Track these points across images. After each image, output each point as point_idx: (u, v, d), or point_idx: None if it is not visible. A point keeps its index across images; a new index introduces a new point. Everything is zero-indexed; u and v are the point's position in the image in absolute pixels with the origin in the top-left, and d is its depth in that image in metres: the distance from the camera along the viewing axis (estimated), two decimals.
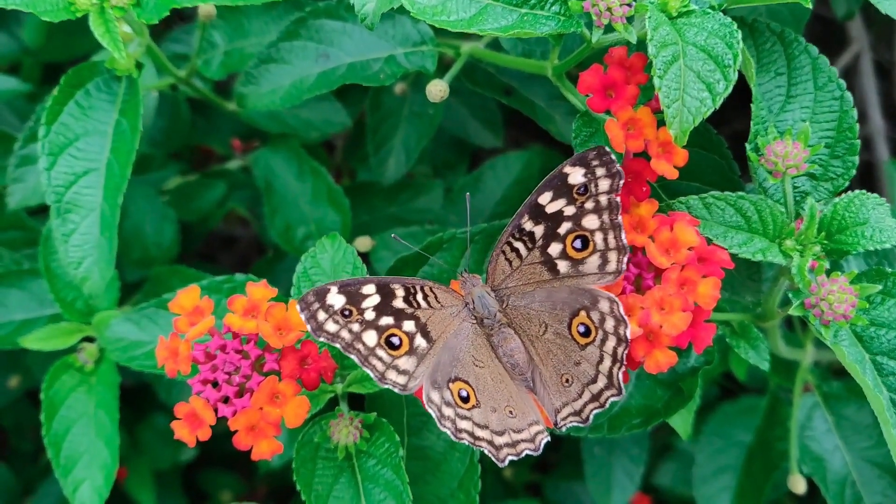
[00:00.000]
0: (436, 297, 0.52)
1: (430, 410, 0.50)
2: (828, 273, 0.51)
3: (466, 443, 0.50)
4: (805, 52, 0.56)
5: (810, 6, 0.50)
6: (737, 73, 0.46)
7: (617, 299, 0.49)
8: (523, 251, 0.52)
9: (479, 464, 0.59)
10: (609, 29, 0.50)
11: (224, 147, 0.97)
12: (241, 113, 0.79)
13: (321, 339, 0.50)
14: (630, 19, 0.49)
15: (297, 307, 0.50)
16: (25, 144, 0.75)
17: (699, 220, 0.51)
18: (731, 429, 0.85)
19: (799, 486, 0.71)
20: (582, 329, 0.50)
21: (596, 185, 0.50)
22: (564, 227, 0.51)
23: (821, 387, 0.75)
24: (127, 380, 0.79)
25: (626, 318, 0.49)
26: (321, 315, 0.50)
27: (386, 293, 0.51)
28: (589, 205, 0.50)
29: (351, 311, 0.50)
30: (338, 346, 0.50)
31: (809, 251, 0.51)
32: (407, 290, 0.51)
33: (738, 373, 0.83)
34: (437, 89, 0.62)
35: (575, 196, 0.50)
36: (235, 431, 0.52)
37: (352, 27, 0.68)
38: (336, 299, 0.50)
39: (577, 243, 0.50)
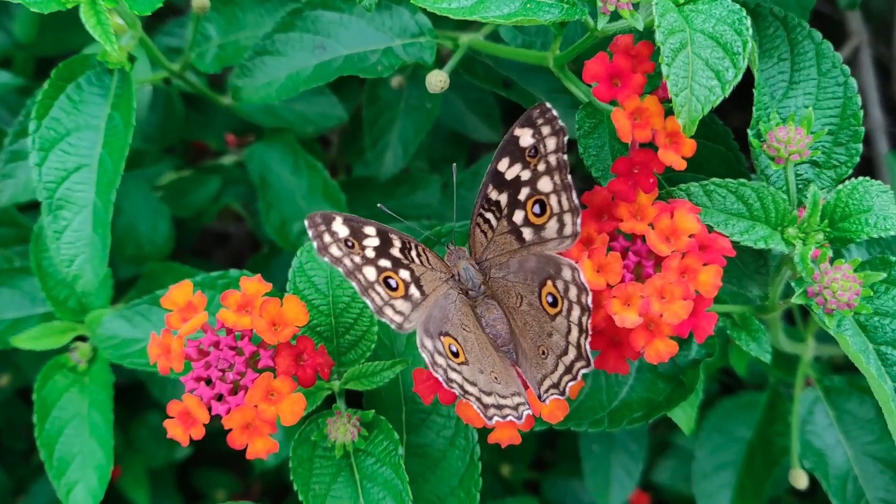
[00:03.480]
0: (428, 259, 0.52)
1: (423, 355, 0.50)
2: (831, 261, 0.50)
3: (457, 392, 0.50)
4: (808, 37, 0.55)
5: None
6: (746, 61, 0.45)
7: (577, 266, 0.49)
8: (494, 221, 0.51)
9: (479, 461, 0.58)
10: (614, 16, 0.49)
11: (218, 142, 0.95)
12: (236, 107, 0.78)
13: (325, 259, 0.50)
14: (636, 6, 0.48)
15: (305, 223, 0.50)
16: (16, 140, 0.74)
17: (700, 207, 0.51)
18: (731, 424, 0.85)
19: (800, 480, 0.71)
20: (550, 299, 0.50)
21: (544, 146, 0.49)
22: (524, 193, 0.50)
23: (822, 381, 0.74)
24: (121, 377, 0.78)
25: (586, 285, 0.48)
26: (327, 237, 0.50)
27: (385, 239, 0.51)
28: (541, 167, 0.49)
29: (353, 244, 0.50)
30: (340, 270, 0.50)
31: (812, 239, 0.50)
32: (403, 243, 0.52)
33: (738, 368, 0.82)
34: (437, 80, 0.61)
35: (528, 159, 0.49)
36: (230, 430, 0.51)
37: (349, 18, 0.67)
38: (341, 228, 0.50)
39: (536, 208, 0.50)
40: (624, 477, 0.90)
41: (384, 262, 0.51)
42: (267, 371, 0.52)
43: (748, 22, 0.46)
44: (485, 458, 0.59)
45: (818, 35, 0.56)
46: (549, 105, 0.49)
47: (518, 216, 0.50)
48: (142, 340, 0.67)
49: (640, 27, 0.48)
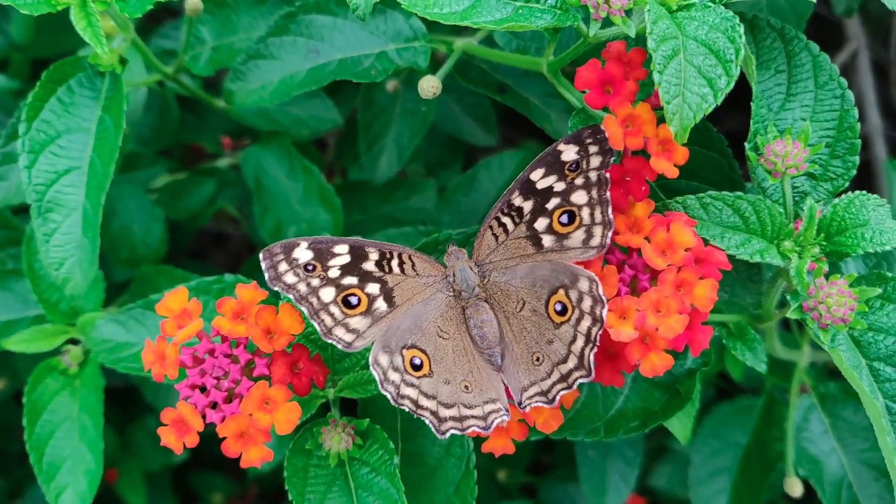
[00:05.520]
0: (413, 266, 0.52)
1: (374, 372, 0.50)
2: (827, 275, 0.50)
3: (407, 409, 0.50)
4: (806, 49, 0.55)
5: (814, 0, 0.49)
6: (739, 69, 0.45)
7: (597, 279, 0.49)
8: (510, 226, 0.51)
9: (475, 470, 0.58)
10: (607, 23, 0.49)
11: (214, 145, 0.95)
12: (231, 110, 0.78)
13: (275, 288, 0.50)
14: (629, 13, 0.48)
15: (260, 256, 0.50)
16: (7, 142, 0.74)
17: (696, 220, 0.50)
18: (728, 430, 0.84)
19: (795, 489, 0.71)
20: (559, 307, 0.50)
21: (587, 162, 0.50)
22: (553, 203, 0.50)
23: (817, 388, 0.74)
24: (118, 381, 0.77)
25: (604, 298, 0.48)
26: (282, 266, 0.50)
27: (358, 255, 0.51)
28: (579, 181, 0.50)
29: (315, 267, 0.50)
30: (291, 296, 0.50)
31: (808, 253, 0.50)
32: (382, 254, 0.51)
33: (734, 373, 0.82)
34: (430, 85, 0.61)
35: (566, 173, 0.50)
36: (224, 438, 0.50)
37: (342, 22, 0.67)
38: (303, 254, 0.50)
39: (564, 218, 0.50)
40: (620, 482, 0.90)
41: (348, 280, 0.51)
42: (262, 379, 0.52)
43: (741, 29, 0.46)
44: (481, 462, 0.59)
45: (815, 47, 0.55)
46: (602, 128, 0.49)
47: (541, 223, 0.51)
48: (136, 345, 0.67)
49: (633, 34, 0.48)
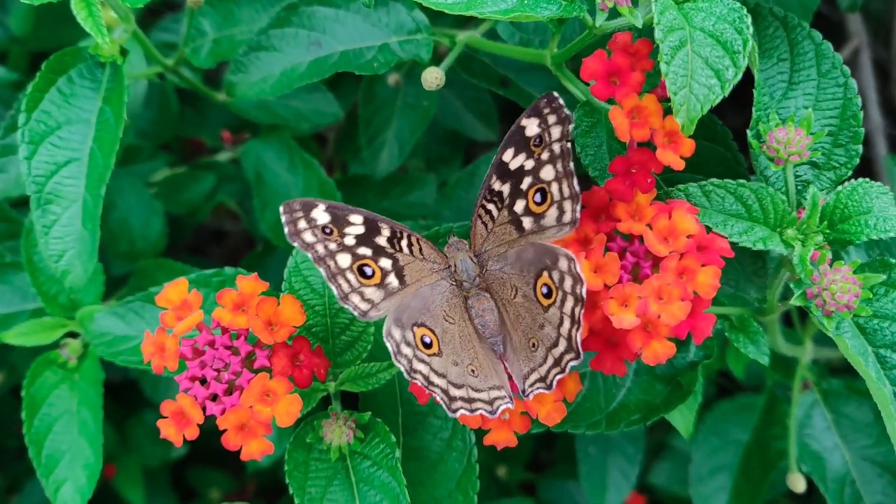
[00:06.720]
0: (420, 249, 0.52)
1: (387, 344, 0.50)
2: (830, 263, 0.50)
3: (419, 384, 0.50)
4: (808, 37, 0.55)
5: None
6: (746, 60, 0.45)
7: (574, 257, 0.49)
8: (495, 212, 0.51)
9: (476, 464, 0.58)
10: (613, 14, 0.48)
11: (214, 139, 0.95)
12: (231, 103, 0.77)
13: (294, 244, 0.50)
14: (635, 3, 0.48)
15: (280, 209, 0.50)
16: (7, 134, 0.73)
17: (698, 208, 0.50)
18: (729, 427, 0.84)
19: (798, 484, 0.70)
20: (545, 290, 0.50)
21: (549, 134, 0.49)
22: (526, 182, 0.50)
23: (820, 384, 0.74)
24: (116, 375, 0.77)
25: (582, 275, 0.48)
26: (302, 223, 0.50)
27: (372, 228, 0.51)
28: (545, 155, 0.49)
29: (332, 231, 0.50)
30: (309, 255, 0.50)
31: (811, 240, 0.50)
32: (393, 232, 0.51)
33: (736, 370, 0.82)
34: (433, 77, 0.60)
35: (532, 148, 0.49)
36: (224, 430, 0.50)
37: (345, 14, 0.67)
38: (321, 216, 0.50)
39: (538, 197, 0.50)
40: (620, 479, 0.89)
41: (363, 250, 0.51)
42: (263, 371, 0.51)
43: (749, 20, 0.45)
44: (480, 458, 0.58)
45: (818, 35, 0.55)
46: (556, 94, 0.49)
47: (519, 206, 0.50)
48: (135, 338, 0.67)
49: (639, 24, 0.48)
